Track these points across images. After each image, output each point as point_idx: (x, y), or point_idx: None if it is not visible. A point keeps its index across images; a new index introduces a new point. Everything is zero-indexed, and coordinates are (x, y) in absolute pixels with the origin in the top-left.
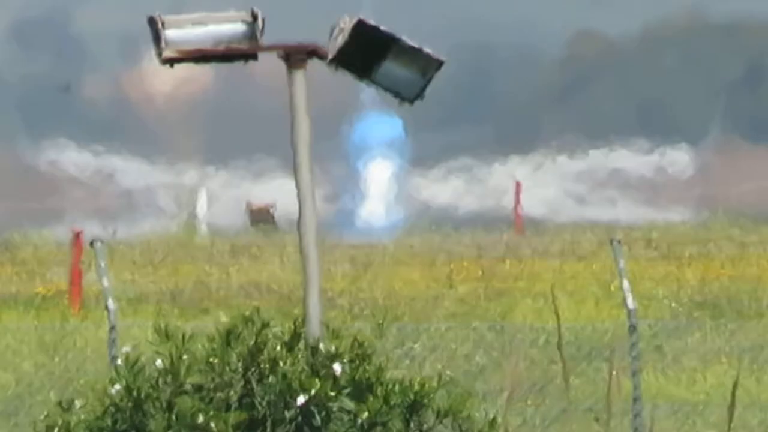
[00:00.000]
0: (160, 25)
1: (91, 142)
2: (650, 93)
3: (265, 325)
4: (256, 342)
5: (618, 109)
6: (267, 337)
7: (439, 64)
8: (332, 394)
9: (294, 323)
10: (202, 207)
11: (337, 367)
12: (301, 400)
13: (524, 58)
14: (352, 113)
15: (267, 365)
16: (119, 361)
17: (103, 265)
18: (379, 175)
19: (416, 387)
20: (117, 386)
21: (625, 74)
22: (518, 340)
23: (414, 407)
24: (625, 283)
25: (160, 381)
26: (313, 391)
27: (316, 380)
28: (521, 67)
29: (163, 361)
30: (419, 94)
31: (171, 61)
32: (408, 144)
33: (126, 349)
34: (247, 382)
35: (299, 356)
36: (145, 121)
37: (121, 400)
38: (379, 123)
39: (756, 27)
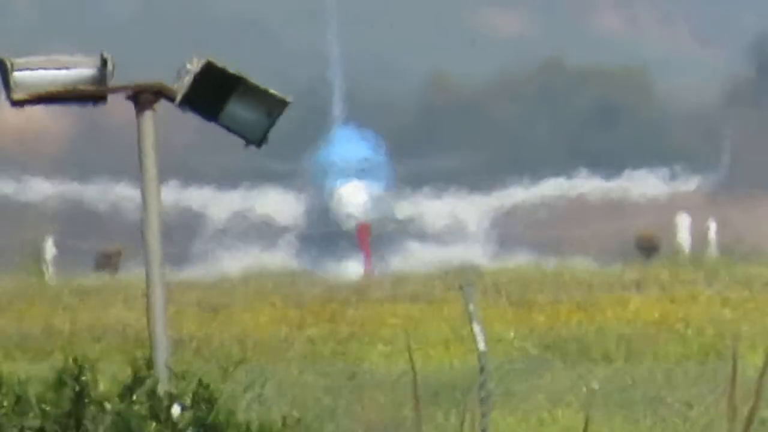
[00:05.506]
0: (9, 67)
1: None
2: (503, 137)
3: (93, 368)
4: (83, 387)
5: (471, 154)
6: (96, 381)
7: (284, 104)
8: None
9: (133, 366)
10: (49, 251)
11: (176, 410)
12: None
13: (380, 102)
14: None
15: (96, 409)
16: None
17: None
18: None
19: (260, 430)
20: None
21: (480, 118)
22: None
23: None
24: (477, 326)
25: None
26: None
27: (153, 423)
28: (378, 111)
29: None
30: (264, 137)
31: (21, 103)
32: None
33: None
34: (80, 425)
35: (142, 399)
36: None
37: None
38: None
39: (606, 72)
